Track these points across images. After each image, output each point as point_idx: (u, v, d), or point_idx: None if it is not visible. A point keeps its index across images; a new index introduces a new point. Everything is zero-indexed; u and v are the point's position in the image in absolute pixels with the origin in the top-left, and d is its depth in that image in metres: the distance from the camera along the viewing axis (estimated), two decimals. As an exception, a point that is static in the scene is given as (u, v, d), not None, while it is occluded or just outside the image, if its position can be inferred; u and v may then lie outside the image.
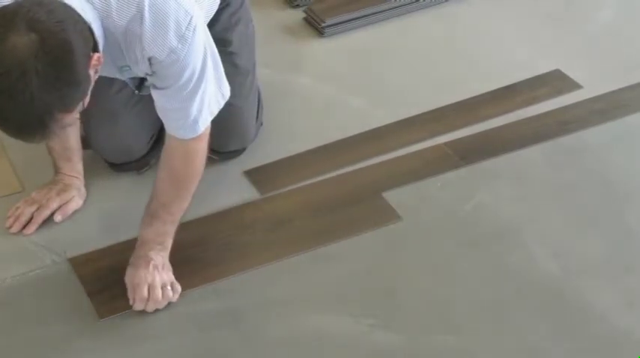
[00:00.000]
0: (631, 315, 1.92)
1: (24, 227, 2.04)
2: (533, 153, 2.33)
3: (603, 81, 2.57)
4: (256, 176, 2.23)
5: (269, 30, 2.72)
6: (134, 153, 2.17)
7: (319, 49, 2.71)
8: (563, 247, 2.07)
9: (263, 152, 2.28)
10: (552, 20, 2.85)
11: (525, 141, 2.36)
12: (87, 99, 1.62)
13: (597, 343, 1.87)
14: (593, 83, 2.56)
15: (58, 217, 2.06)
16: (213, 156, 2.21)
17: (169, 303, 1.89)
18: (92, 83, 1.61)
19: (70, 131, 2.03)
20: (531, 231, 2.10)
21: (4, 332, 1.84)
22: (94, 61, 1.58)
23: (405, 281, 1.99)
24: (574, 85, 2.56)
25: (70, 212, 2.08)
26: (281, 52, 2.66)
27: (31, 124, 1.51)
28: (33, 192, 2.08)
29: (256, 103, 2.25)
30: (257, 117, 2.26)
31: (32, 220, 2.04)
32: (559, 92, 2.54)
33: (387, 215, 2.13)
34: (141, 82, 1.87)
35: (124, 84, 2.09)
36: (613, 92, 2.54)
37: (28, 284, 1.93)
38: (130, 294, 1.88)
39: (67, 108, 1.54)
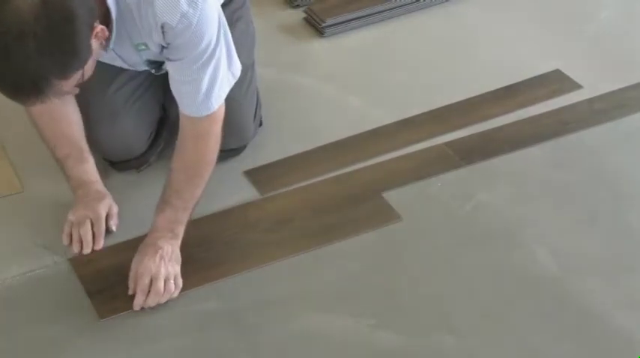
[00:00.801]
0: (631, 315, 1.92)
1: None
2: (533, 153, 2.33)
3: (603, 81, 2.57)
4: (256, 176, 2.23)
5: (269, 30, 2.72)
6: (133, 151, 2.17)
7: (319, 49, 2.71)
8: (563, 247, 2.07)
9: (263, 152, 2.29)
10: (552, 20, 2.85)
11: (525, 141, 2.36)
12: (88, 72, 1.62)
13: (597, 343, 1.87)
14: (593, 83, 2.56)
15: (113, 227, 2.03)
16: (213, 156, 2.22)
17: (168, 301, 1.88)
18: (94, 55, 1.61)
19: (79, 133, 2.03)
20: (531, 231, 2.10)
21: (4, 332, 1.84)
22: (97, 31, 1.58)
23: (405, 281, 1.99)
24: (574, 85, 2.56)
25: (117, 217, 2.04)
26: (281, 52, 2.66)
27: (25, 86, 1.53)
28: (70, 215, 2.00)
29: (255, 101, 2.26)
30: (255, 116, 2.26)
31: (95, 236, 1.99)
32: (559, 92, 2.54)
33: (387, 215, 2.13)
34: (158, 63, 1.88)
35: (124, 82, 2.10)
36: (613, 92, 2.54)
37: (28, 284, 1.93)
38: (130, 283, 1.87)
39: (63, 76, 1.55)
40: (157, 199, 2.12)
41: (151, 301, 1.86)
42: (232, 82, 1.91)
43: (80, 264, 1.97)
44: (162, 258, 1.87)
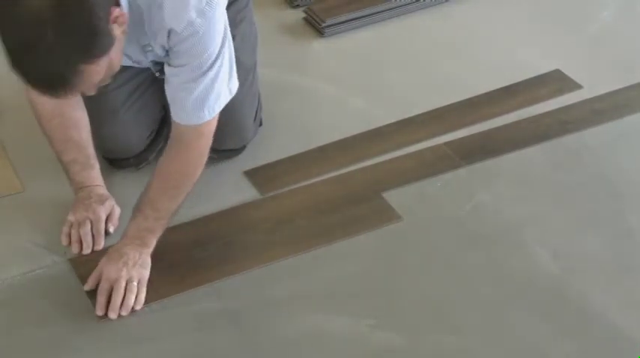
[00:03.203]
0: (631, 315, 1.92)
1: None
2: (533, 153, 2.33)
3: (603, 81, 2.57)
4: (256, 176, 2.23)
5: (269, 30, 2.72)
6: (133, 149, 2.17)
7: (319, 49, 2.71)
8: (563, 247, 2.07)
9: (263, 152, 2.29)
10: (552, 20, 2.86)
11: (525, 141, 2.36)
12: (115, 60, 1.62)
13: (597, 343, 1.87)
14: (593, 83, 2.56)
15: (111, 228, 2.02)
16: (212, 155, 2.20)
17: (168, 301, 1.88)
18: (118, 41, 1.61)
19: (87, 139, 2.03)
20: (531, 231, 2.10)
21: (4, 332, 1.84)
22: (116, 15, 1.58)
23: (405, 281, 1.99)
24: (574, 85, 2.57)
25: (117, 220, 2.04)
26: (281, 52, 2.66)
27: (53, 78, 1.53)
28: (69, 216, 2.00)
29: (255, 102, 2.26)
30: (255, 117, 2.26)
31: (94, 237, 1.99)
32: (559, 92, 2.54)
33: (387, 215, 2.13)
34: (162, 65, 1.89)
35: (125, 80, 2.10)
36: (613, 92, 2.54)
37: (28, 284, 1.93)
38: (91, 285, 1.87)
39: (88, 60, 1.54)
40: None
41: (114, 303, 1.83)
42: (229, 97, 1.90)
43: (80, 264, 1.97)
44: (125, 263, 1.85)
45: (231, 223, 2.09)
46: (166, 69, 1.84)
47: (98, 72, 1.59)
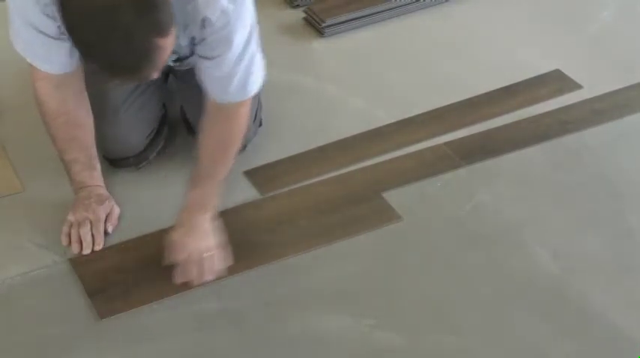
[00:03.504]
0: (631, 315, 1.92)
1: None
2: (533, 153, 2.33)
3: (603, 81, 2.57)
4: (256, 176, 2.23)
5: (269, 30, 2.71)
6: (133, 148, 2.17)
7: (319, 49, 2.71)
8: (563, 247, 2.07)
9: (263, 152, 2.29)
10: (552, 20, 2.86)
11: (525, 141, 2.36)
12: (174, 38, 1.65)
13: (597, 343, 1.87)
14: (593, 83, 2.56)
15: (109, 228, 2.03)
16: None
17: (168, 301, 1.88)
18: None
19: (90, 139, 2.03)
20: (531, 231, 2.11)
21: (4, 332, 1.84)
22: None
23: (405, 281, 1.99)
24: (574, 85, 2.57)
25: (117, 220, 2.05)
26: (281, 52, 2.66)
27: (137, 55, 1.55)
28: (69, 216, 2.01)
29: (256, 102, 2.26)
30: (255, 117, 2.26)
31: (94, 237, 2.00)
32: (559, 92, 2.54)
33: (387, 215, 2.13)
34: (181, 57, 1.94)
35: None
36: (613, 92, 2.54)
37: (28, 284, 1.93)
38: (168, 256, 1.90)
39: (162, 33, 1.57)
40: (157, 199, 2.13)
41: (201, 274, 1.90)
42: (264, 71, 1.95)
43: (80, 264, 1.97)
44: (204, 232, 1.91)
45: (231, 223, 2.09)
46: (201, 61, 1.87)
47: (169, 46, 1.63)
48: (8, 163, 2.22)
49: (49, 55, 1.89)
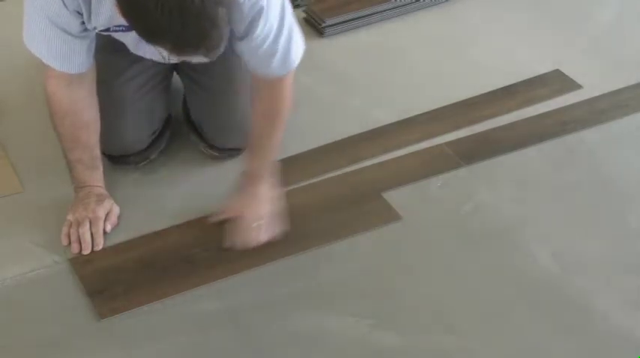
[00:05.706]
0: (631, 315, 1.92)
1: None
2: (533, 153, 2.33)
3: (603, 81, 2.57)
4: (256, 176, 2.23)
5: (269, 30, 2.71)
6: (134, 146, 2.17)
7: (319, 49, 2.71)
8: (563, 247, 2.07)
9: (263, 152, 2.28)
10: (552, 20, 2.86)
11: (525, 141, 2.36)
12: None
13: (597, 343, 1.87)
14: (593, 83, 2.56)
15: (108, 227, 2.03)
16: (214, 153, 2.21)
17: (168, 301, 1.88)
18: None
19: (95, 140, 2.03)
20: (531, 231, 2.11)
21: (4, 332, 1.84)
22: None
23: (405, 281, 1.99)
24: (574, 85, 2.57)
25: (116, 219, 2.05)
26: (281, 52, 2.66)
27: (209, 25, 1.53)
28: (69, 216, 2.01)
29: None
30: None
31: (93, 237, 2.00)
32: (559, 92, 2.55)
33: (387, 215, 2.13)
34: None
35: (133, 75, 2.10)
36: (613, 92, 2.54)
37: (28, 284, 1.93)
38: (229, 213, 2.00)
39: (225, 2, 1.56)
40: (157, 199, 2.13)
41: (256, 236, 2.00)
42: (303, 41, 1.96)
43: (80, 264, 1.97)
44: (261, 200, 2.00)
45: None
46: (238, 45, 1.88)
47: (229, 20, 1.61)
48: (8, 163, 2.22)
49: (70, 53, 1.87)
